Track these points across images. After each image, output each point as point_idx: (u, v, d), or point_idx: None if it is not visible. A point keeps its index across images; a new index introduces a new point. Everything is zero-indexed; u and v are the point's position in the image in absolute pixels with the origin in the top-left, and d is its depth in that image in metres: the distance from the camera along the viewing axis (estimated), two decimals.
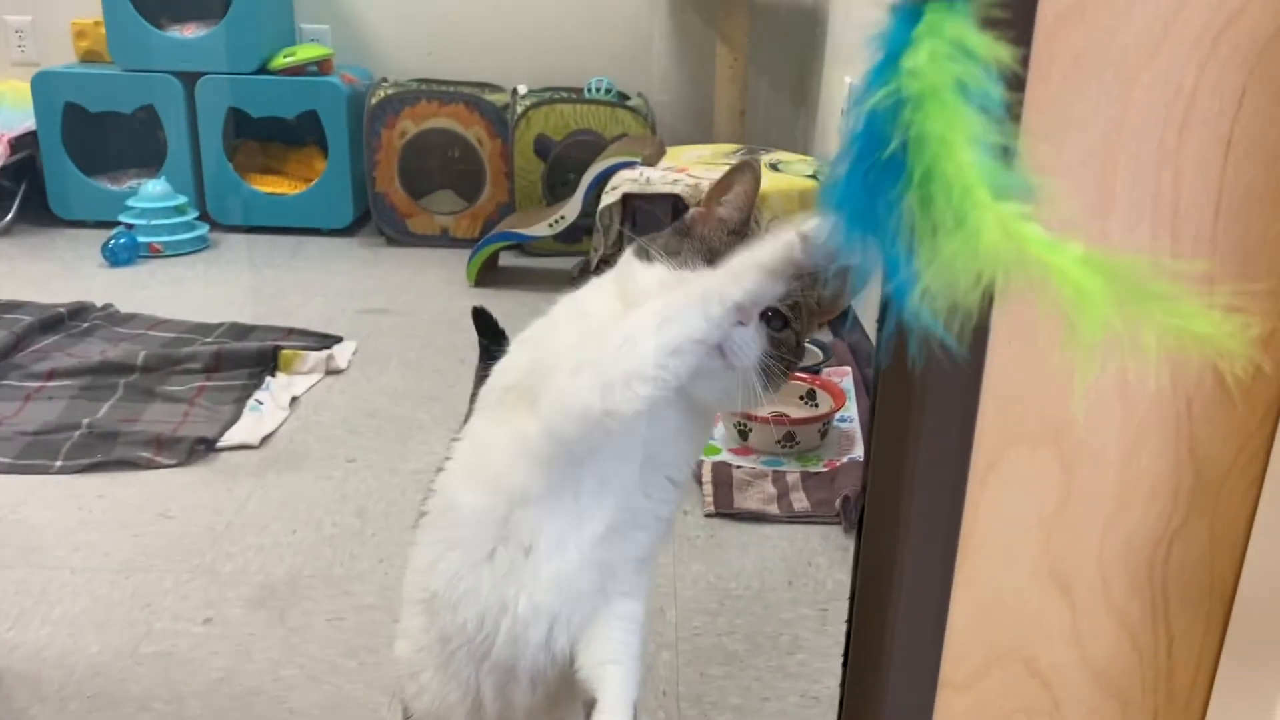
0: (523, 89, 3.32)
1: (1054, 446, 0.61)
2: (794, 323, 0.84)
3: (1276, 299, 0.59)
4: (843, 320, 2.52)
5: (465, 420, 0.95)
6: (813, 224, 0.71)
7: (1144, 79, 0.55)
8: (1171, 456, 0.61)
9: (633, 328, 0.76)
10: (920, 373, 0.58)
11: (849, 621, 0.67)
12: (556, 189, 3.21)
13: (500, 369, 0.90)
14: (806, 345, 0.92)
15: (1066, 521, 0.62)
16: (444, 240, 3.30)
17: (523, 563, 0.83)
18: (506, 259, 3.12)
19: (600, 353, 0.76)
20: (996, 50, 0.41)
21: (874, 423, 0.63)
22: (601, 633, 0.85)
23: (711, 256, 0.83)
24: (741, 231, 0.87)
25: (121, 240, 3.00)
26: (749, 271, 0.74)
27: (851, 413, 2.06)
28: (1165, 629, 0.64)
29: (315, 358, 2.31)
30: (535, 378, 0.82)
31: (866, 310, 2.34)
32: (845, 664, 0.68)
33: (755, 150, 2.99)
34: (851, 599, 0.66)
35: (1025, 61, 0.54)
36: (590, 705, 0.81)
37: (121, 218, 3.10)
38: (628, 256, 0.87)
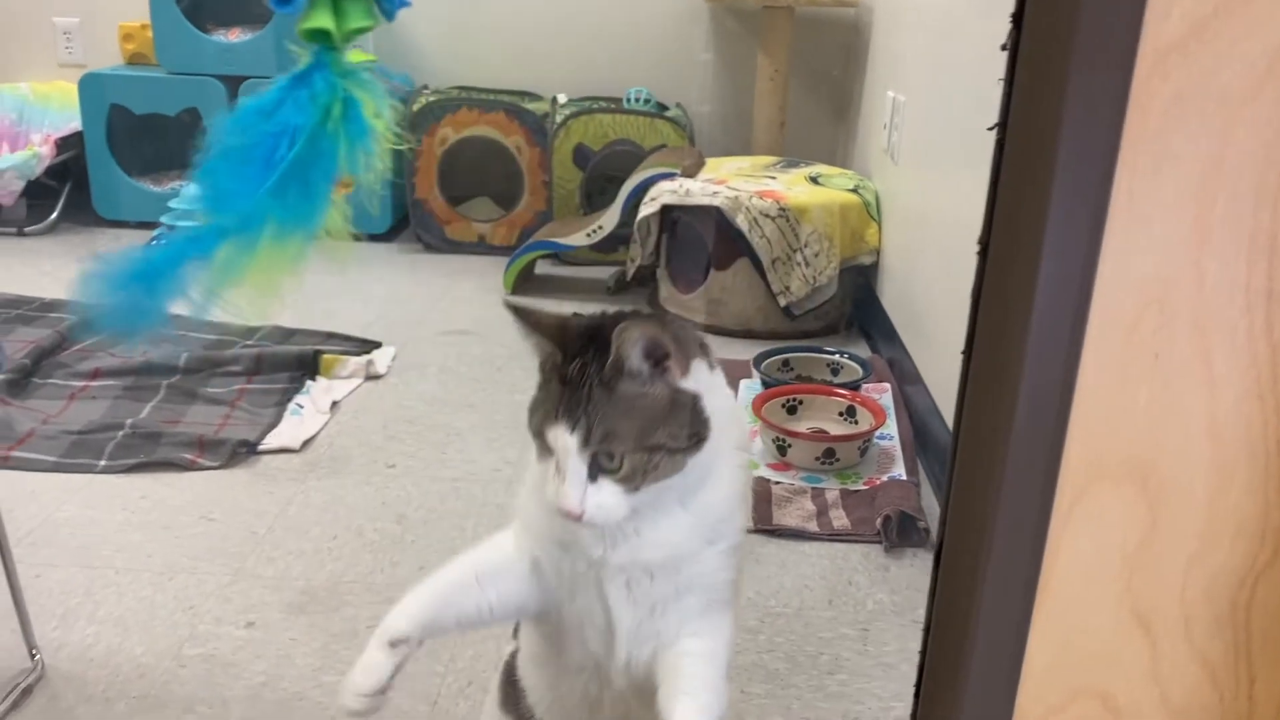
0: (562, 98, 3.33)
1: (1140, 484, 0.60)
2: (621, 458, 0.77)
3: None
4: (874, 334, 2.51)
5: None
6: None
7: (1245, 117, 0.54)
8: (1260, 495, 0.60)
9: None
10: (1007, 407, 0.58)
11: (923, 653, 0.67)
12: (594, 198, 3.21)
13: None
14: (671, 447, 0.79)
15: (1150, 559, 0.61)
16: (481, 248, 3.31)
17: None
18: (543, 267, 3.12)
19: None
20: None
21: (955, 456, 0.63)
22: (674, 663, 0.85)
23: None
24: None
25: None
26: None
27: (891, 430, 2.05)
28: (1247, 669, 0.63)
29: (355, 363, 2.32)
30: None
31: (906, 327, 2.32)
32: (917, 695, 0.68)
33: (796, 163, 2.99)
34: (926, 630, 0.66)
35: (1125, 96, 0.54)
36: None
37: (163, 219, 3.13)
38: None
